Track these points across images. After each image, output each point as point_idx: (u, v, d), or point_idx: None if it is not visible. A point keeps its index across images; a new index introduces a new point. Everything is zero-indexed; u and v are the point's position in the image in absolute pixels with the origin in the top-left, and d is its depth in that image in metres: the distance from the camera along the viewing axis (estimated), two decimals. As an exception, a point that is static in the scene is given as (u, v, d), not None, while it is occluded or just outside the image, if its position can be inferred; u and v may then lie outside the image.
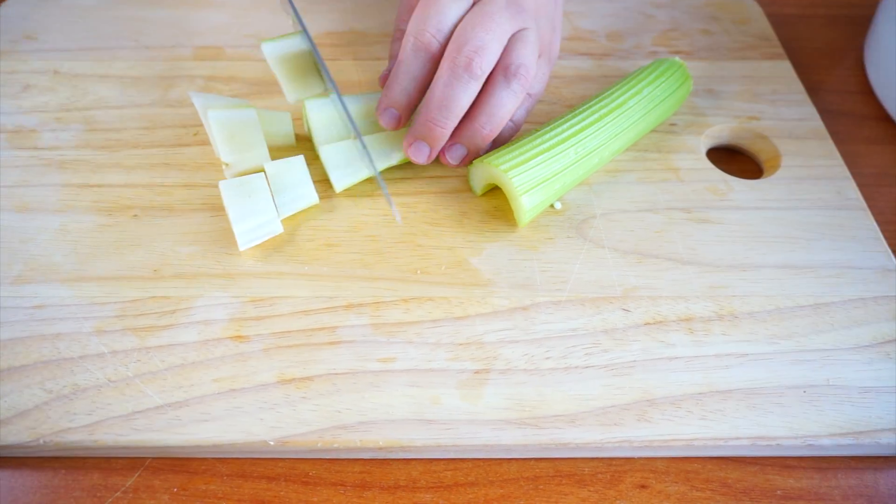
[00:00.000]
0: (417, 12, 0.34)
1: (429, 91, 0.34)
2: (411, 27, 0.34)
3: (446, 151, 0.36)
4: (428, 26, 0.34)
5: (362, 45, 0.46)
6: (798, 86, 0.44)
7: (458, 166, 0.36)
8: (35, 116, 0.41)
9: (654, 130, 0.41)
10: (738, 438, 0.29)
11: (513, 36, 0.34)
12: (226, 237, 0.35)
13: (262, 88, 0.42)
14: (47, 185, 0.37)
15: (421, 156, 0.35)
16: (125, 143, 0.39)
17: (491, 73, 0.34)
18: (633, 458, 0.30)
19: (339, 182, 0.36)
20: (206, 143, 0.39)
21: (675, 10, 0.49)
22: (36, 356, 0.30)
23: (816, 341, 0.32)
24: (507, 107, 0.34)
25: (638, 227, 0.36)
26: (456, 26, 0.34)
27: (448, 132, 0.34)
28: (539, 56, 0.36)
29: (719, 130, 0.41)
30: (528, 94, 0.37)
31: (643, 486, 0.29)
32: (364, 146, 0.35)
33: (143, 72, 0.43)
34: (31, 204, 0.36)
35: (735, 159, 0.42)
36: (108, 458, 0.29)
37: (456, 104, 0.33)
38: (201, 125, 0.40)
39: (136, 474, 0.29)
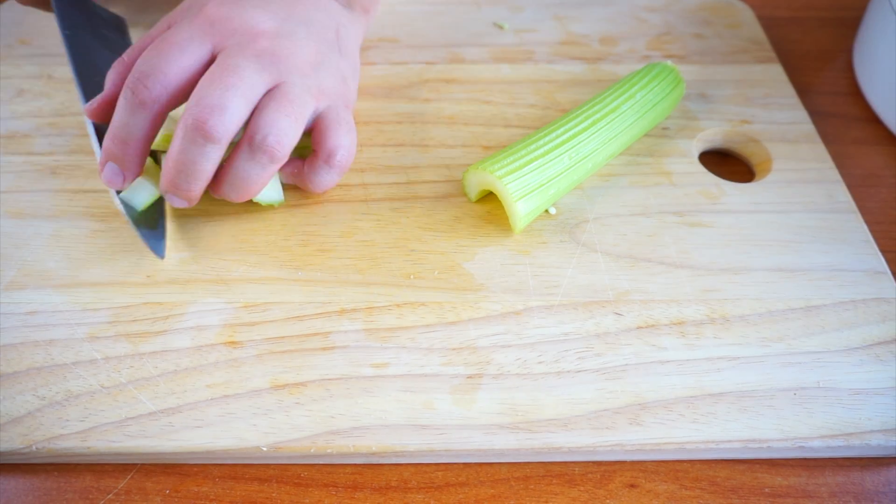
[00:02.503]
0: (141, 59, 0.31)
1: (168, 151, 0.31)
2: (130, 77, 0.30)
3: (213, 191, 0.33)
4: (141, 73, 0.30)
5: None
6: (790, 89, 0.44)
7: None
8: (29, 121, 0.41)
9: (646, 135, 0.41)
10: (729, 441, 0.29)
11: (266, 93, 0.31)
12: (219, 242, 0.35)
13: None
14: (41, 190, 0.37)
15: (177, 204, 0.33)
16: (119, 148, 0.39)
17: (241, 139, 0.31)
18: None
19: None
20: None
21: (669, 14, 0.50)
22: (29, 362, 0.31)
23: (807, 344, 0.32)
24: (252, 178, 0.31)
25: (630, 231, 0.36)
26: (185, 80, 0.31)
27: (198, 192, 0.32)
28: (327, 108, 0.33)
29: (712, 134, 0.42)
30: (343, 158, 0.34)
31: (633, 486, 0.30)
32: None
33: (136, 77, 0.43)
34: (24, 210, 0.36)
35: (726, 162, 0.42)
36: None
37: (195, 169, 0.30)
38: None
39: (129, 477, 0.29)
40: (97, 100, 0.33)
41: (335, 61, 0.35)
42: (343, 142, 0.34)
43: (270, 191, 0.35)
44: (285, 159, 0.32)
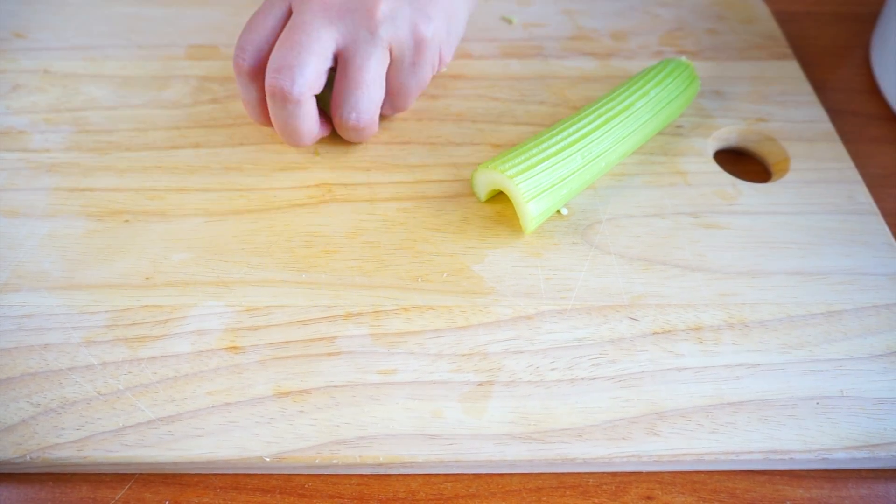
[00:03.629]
0: (243, 32, 0.33)
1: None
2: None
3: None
4: (238, 48, 0.33)
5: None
6: (806, 86, 0.43)
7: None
8: (25, 117, 0.40)
9: (660, 133, 0.40)
10: (749, 452, 0.28)
11: (338, 52, 0.32)
12: (220, 243, 0.34)
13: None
14: (36, 188, 0.36)
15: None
16: (117, 145, 0.38)
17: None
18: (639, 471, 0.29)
19: None
20: (199, 145, 0.38)
21: (681, 8, 0.48)
22: (23, 368, 0.29)
23: (829, 351, 0.31)
24: (356, 139, 0.35)
25: (644, 233, 0.35)
26: (272, 42, 0.32)
27: (305, 141, 0.34)
28: (393, 63, 0.34)
29: (727, 132, 0.40)
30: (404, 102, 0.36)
31: (649, 498, 0.29)
32: None
33: (135, 71, 0.42)
34: (19, 209, 0.35)
35: (742, 161, 0.41)
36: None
37: (292, 129, 0.33)
38: (195, 127, 0.39)
39: (127, 487, 0.28)
40: (249, 110, 0.35)
41: (408, 10, 0.33)
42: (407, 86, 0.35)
43: None
44: (375, 122, 0.35)
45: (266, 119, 0.35)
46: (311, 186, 0.36)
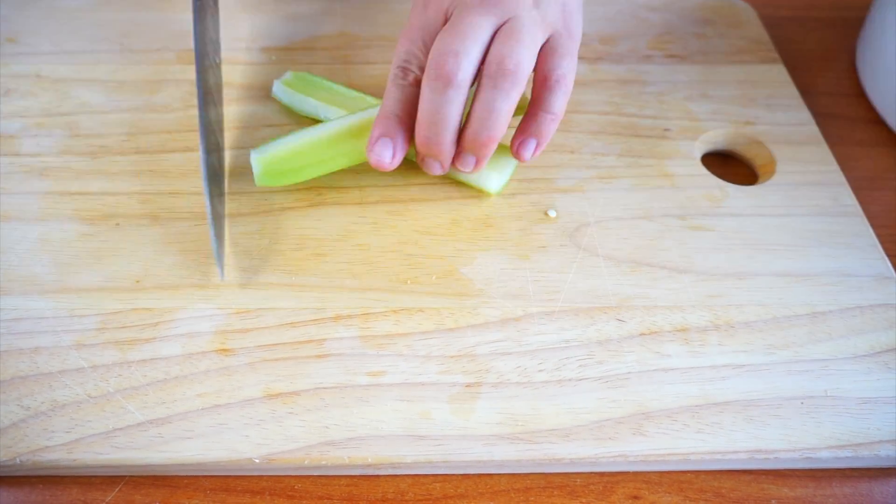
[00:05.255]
0: (397, 48, 0.34)
1: (419, 111, 0.33)
2: (392, 63, 0.33)
3: (457, 161, 0.34)
4: (402, 55, 0.33)
5: (353, 49, 0.45)
6: (793, 90, 0.43)
7: (475, 171, 0.35)
8: (16, 122, 0.40)
9: (647, 136, 0.40)
10: (735, 452, 0.29)
11: (496, 31, 0.32)
12: (210, 246, 0.34)
13: (250, 93, 0.42)
14: (27, 192, 0.36)
15: (434, 170, 0.34)
16: (108, 149, 0.38)
17: (478, 76, 0.32)
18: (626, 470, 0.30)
19: None
20: (190, 149, 0.39)
21: (669, 13, 0.49)
22: (13, 371, 0.30)
23: (814, 351, 0.32)
24: (497, 108, 0.32)
25: (632, 235, 0.35)
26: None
27: (446, 146, 0.33)
28: (551, 37, 0.34)
29: (714, 136, 0.41)
30: (557, 79, 0.33)
31: (636, 497, 0.29)
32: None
33: (127, 76, 0.42)
34: (10, 213, 0.35)
35: (729, 164, 0.41)
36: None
37: (442, 117, 0.32)
38: (186, 131, 0.40)
39: (117, 489, 0.28)
40: (394, 108, 0.33)
41: None
42: (561, 64, 0.33)
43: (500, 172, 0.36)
44: (524, 83, 0.32)
45: (402, 117, 0.33)
46: (301, 190, 0.37)
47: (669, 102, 0.42)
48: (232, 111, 0.41)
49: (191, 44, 0.44)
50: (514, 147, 0.35)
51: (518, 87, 0.32)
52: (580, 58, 0.45)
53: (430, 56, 0.32)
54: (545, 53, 0.34)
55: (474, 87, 0.33)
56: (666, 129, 0.41)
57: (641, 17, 0.48)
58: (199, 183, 0.37)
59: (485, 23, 0.32)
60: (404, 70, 0.33)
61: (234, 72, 0.43)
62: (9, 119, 0.40)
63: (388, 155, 0.33)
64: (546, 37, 0.34)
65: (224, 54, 0.44)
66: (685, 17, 0.49)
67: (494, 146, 0.33)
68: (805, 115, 0.42)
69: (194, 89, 0.42)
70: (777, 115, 0.42)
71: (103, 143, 0.39)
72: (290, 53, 0.44)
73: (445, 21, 0.33)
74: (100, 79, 0.42)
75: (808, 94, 0.45)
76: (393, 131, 0.33)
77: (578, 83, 0.43)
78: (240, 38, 0.45)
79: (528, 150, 0.34)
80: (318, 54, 0.44)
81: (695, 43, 0.47)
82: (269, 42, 0.45)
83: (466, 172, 0.35)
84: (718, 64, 0.45)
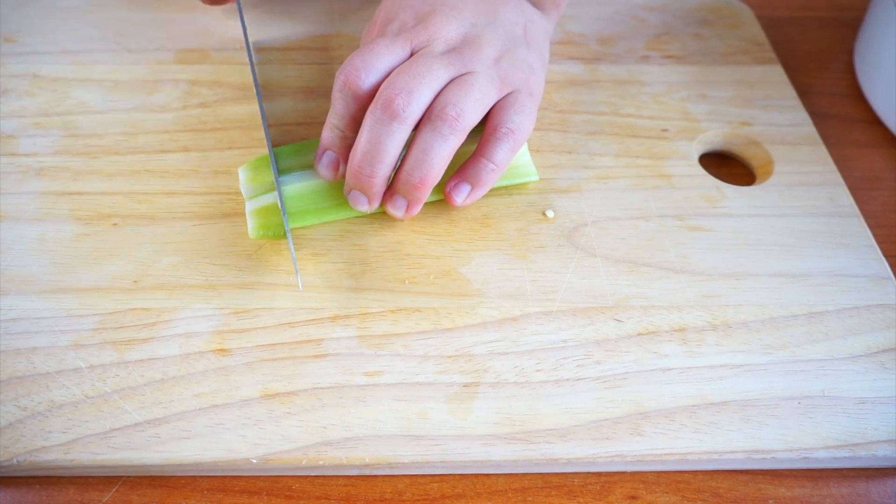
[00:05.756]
0: (351, 56, 0.33)
1: (356, 139, 0.33)
2: (342, 66, 0.33)
3: (386, 203, 0.34)
4: (352, 66, 0.33)
5: (350, 49, 0.45)
6: (790, 91, 0.43)
7: (404, 217, 0.34)
8: (13, 121, 0.40)
9: (645, 136, 0.40)
10: (732, 452, 0.29)
11: (450, 81, 0.33)
12: (208, 246, 0.34)
13: (247, 93, 0.42)
14: (25, 192, 0.36)
15: (360, 205, 0.34)
16: (106, 149, 0.38)
17: (421, 120, 0.32)
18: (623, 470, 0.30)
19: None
20: (188, 149, 0.39)
21: (667, 13, 0.49)
22: (10, 371, 0.30)
23: (811, 351, 0.32)
24: (434, 150, 0.32)
25: (630, 235, 0.35)
26: (387, 74, 0.33)
27: (378, 179, 0.32)
28: (509, 93, 0.34)
29: (712, 136, 0.41)
30: (510, 130, 0.34)
31: (633, 497, 0.29)
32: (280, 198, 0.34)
33: (124, 76, 0.42)
34: (7, 212, 0.35)
35: (727, 164, 0.41)
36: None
37: (380, 150, 0.32)
38: (184, 131, 0.39)
39: (114, 489, 0.28)
40: (339, 123, 0.34)
41: (522, 54, 0.36)
42: (514, 118, 0.34)
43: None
44: (465, 133, 0.32)
45: (346, 136, 0.34)
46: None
47: (667, 103, 0.42)
48: (230, 111, 0.41)
49: (189, 44, 0.45)
50: (447, 189, 0.35)
51: (457, 135, 0.32)
52: (577, 58, 0.45)
53: (382, 87, 0.32)
54: (500, 107, 0.34)
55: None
56: (664, 130, 0.41)
57: (639, 17, 0.48)
58: (196, 183, 0.37)
59: (442, 72, 0.32)
60: (346, 81, 0.33)
61: (232, 72, 0.43)
62: (6, 119, 0.40)
63: (332, 173, 0.34)
64: (502, 94, 0.34)
65: (217, 54, 0.44)
66: (683, 18, 0.49)
67: (427, 191, 0.33)
68: (802, 115, 0.42)
69: (191, 89, 0.42)
70: (774, 116, 0.42)
71: (101, 143, 0.39)
72: (287, 53, 0.44)
73: (409, 57, 0.34)
74: (97, 78, 0.42)
75: (806, 94, 0.45)
76: (337, 146, 0.34)
77: (576, 83, 0.43)
78: (237, 38, 0.45)
79: (461, 194, 0.34)
80: (314, 54, 0.44)
81: (692, 43, 0.47)
82: (266, 42, 0.45)
83: (397, 217, 0.34)
84: (716, 64, 0.45)
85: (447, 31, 0.34)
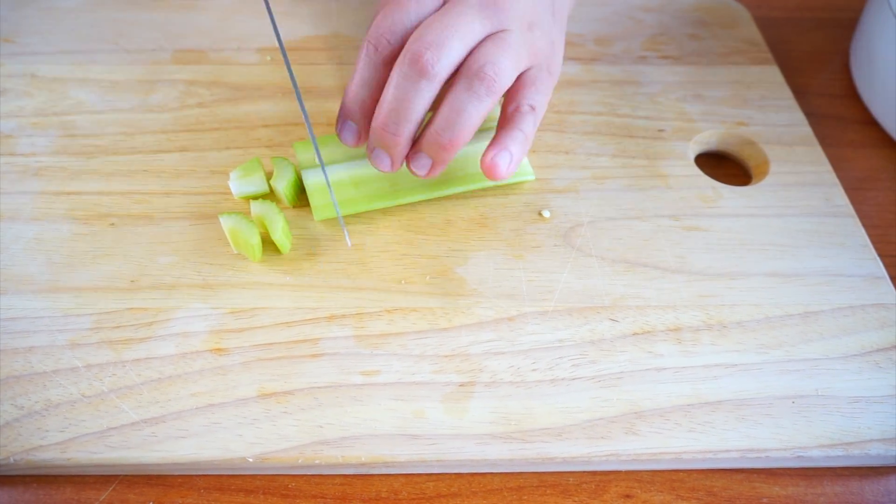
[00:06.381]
0: (377, 17, 0.32)
1: (382, 95, 0.31)
2: (369, 32, 0.31)
3: (410, 161, 0.32)
4: (381, 28, 0.31)
5: (347, 50, 0.45)
6: (786, 91, 0.44)
7: (426, 177, 0.33)
8: (11, 121, 0.40)
9: (641, 136, 0.40)
10: (727, 451, 0.29)
11: (486, 37, 0.31)
12: (205, 246, 0.34)
13: (245, 93, 0.42)
14: (22, 192, 0.36)
15: (382, 164, 0.32)
16: (103, 149, 0.39)
17: (452, 78, 0.30)
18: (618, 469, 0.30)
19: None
20: (186, 149, 0.39)
21: (664, 14, 0.49)
22: (7, 371, 0.30)
23: (805, 351, 0.32)
24: (467, 111, 0.30)
25: (626, 235, 0.36)
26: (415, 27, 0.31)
27: (403, 139, 0.31)
28: (531, 67, 0.33)
29: (708, 136, 0.41)
30: (531, 108, 0.32)
31: (628, 496, 0.29)
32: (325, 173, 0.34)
33: (122, 76, 0.43)
34: (5, 212, 0.35)
35: (723, 165, 0.41)
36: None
37: (407, 107, 0.30)
38: (181, 131, 0.40)
39: (111, 488, 0.28)
40: (361, 92, 0.32)
41: (548, 24, 0.34)
42: (535, 97, 0.32)
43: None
44: (499, 95, 0.31)
45: (368, 108, 0.32)
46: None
47: (663, 103, 0.42)
48: (227, 111, 0.41)
49: (187, 44, 0.45)
50: (487, 160, 0.32)
51: (493, 96, 0.30)
52: (574, 59, 0.45)
53: (410, 40, 0.30)
54: (522, 82, 0.32)
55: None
56: (660, 130, 0.41)
57: (636, 18, 0.49)
58: (194, 183, 0.37)
59: (477, 25, 0.30)
60: (376, 46, 0.31)
61: (230, 72, 0.43)
62: (4, 119, 0.40)
63: (353, 139, 0.33)
64: (529, 65, 0.32)
65: (214, 55, 0.44)
66: (679, 19, 0.49)
67: (454, 153, 0.31)
68: (798, 115, 0.42)
69: (189, 89, 0.42)
70: (770, 116, 0.42)
71: (98, 143, 0.39)
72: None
73: (441, 5, 0.31)
74: (95, 79, 0.42)
75: (802, 94, 0.45)
76: (358, 116, 0.32)
77: (573, 83, 0.44)
78: (234, 38, 0.45)
79: (504, 162, 0.31)
80: (312, 55, 0.44)
81: (689, 44, 0.47)
82: (263, 42, 0.45)
83: (420, 176, 0.33)
84: (712, 65, 0.45)
85: None
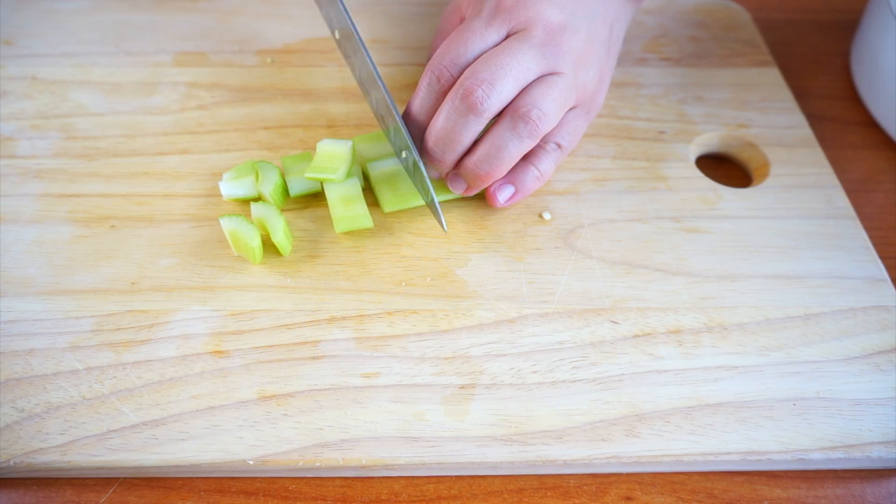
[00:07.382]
0: (441, 45, 0.33)
1: (433, 120, 0.32)
2: (431, 61, 0.33)
3: (448, 179, 0.35)
4: (444, 59, 0.32)
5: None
6: (787, 93, 0.44)
7: (462, 194, 0.35)
8: (12, 124, 0.40)
9: (642, 138, 0.40)
10: (728, 453, 0.29)
11: (537, 78, 0.32)
12: (206, 248, 0.34)
13: (245, 95, 0.42)
14: (23, 194, 0.36)
15: (432, 172, 0.34)
16: (104, 151, 0.39)
17: (501, 112, 0.32)
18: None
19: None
20: (187, 151, 0.39)
21: (664, 16, 0.49)
22: (8, 373, 0.30)
23: (806, 353, 0.32)
24: (507, 149, 0.32)
25: (626, 237, 0.36)
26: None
27: (447, 164, 0.33)
28: (575, 107, 0.34)
29: (708, 138, 0.41)
30: (558, 146, 0.34)
31: (629, 499, 0.29)
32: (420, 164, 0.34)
33: (123, 78, 0.43)
34: (5, 214, 0.35)
35: (724, 167, 0.41)
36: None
37: (454, 138, 0.32)
38: (182, 133, 0.40)
39: (111, 491, 0.28)
40: (419, 116, 0.34)
41: (601, 60, 0.35)
42: (566, 137, 0.34)
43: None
44: (541, 136, 0.32)
45: (426, 126, 0.33)
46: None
47: (664, 105, 0.42)
48: (228, 114, 0.41)
49: (187, 46, 0.45)
50: (491, 189, 0.35)
51: (534, 139, 0.32)
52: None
53: (465, 73, 0.31)
54: (560, 121, 0.34)
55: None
56: (660, 132, 0.41)
57: (636, 20, 0.49)
58: (194, 185, 0.37)
59: (533, 65, 0.32)
60: (438, 77, 0.32)
61: (231, 75, 0.43)
62: (5, 121, 0.40)
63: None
64: (573, 105, 0.34)
65: (215, 57, 0.44)
66: (680, 21, 0.49)
67: (489, 183, 0.33)
68: (799, 117, 0.42)
69: (190, 91, 0.42)
70: (771, 118, 0.42)
71: (99, 145, 0.39)
72: (284, 56, 0.44)
73: (504, 40, 0.32)
74: (96, 81, 0.42)
75: (802, 96, 0.45)
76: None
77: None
78: (235, 40, 0.45)
79: (505, 195, 0.35)
80: (311, 56, 0.44)
81: (689, 46, 0.47)
82: (264, 44, 0.45)
83: (454, 192, 0.35)
84: (713, 67, 0.45)
85: (549, 14, 0.32)
